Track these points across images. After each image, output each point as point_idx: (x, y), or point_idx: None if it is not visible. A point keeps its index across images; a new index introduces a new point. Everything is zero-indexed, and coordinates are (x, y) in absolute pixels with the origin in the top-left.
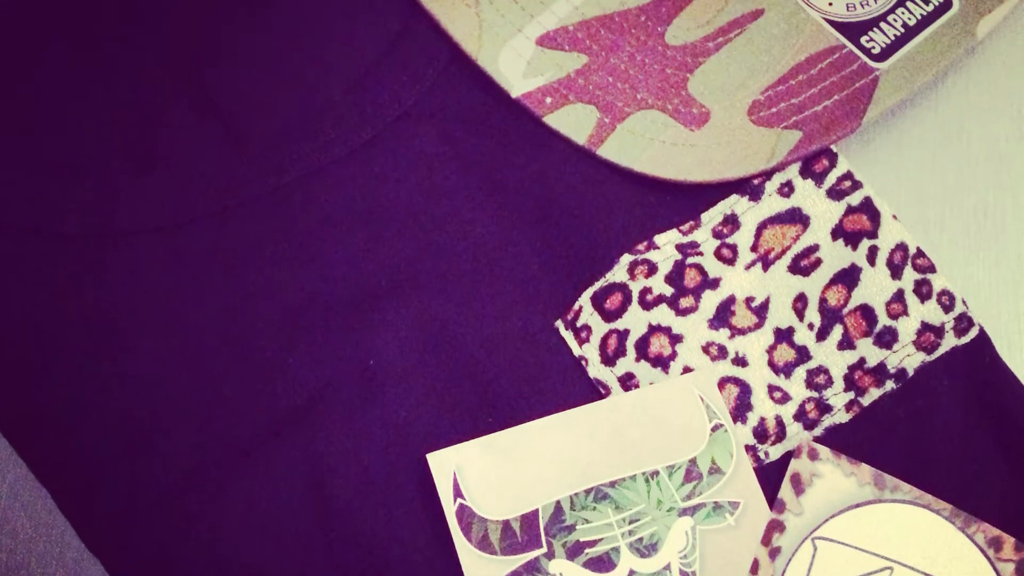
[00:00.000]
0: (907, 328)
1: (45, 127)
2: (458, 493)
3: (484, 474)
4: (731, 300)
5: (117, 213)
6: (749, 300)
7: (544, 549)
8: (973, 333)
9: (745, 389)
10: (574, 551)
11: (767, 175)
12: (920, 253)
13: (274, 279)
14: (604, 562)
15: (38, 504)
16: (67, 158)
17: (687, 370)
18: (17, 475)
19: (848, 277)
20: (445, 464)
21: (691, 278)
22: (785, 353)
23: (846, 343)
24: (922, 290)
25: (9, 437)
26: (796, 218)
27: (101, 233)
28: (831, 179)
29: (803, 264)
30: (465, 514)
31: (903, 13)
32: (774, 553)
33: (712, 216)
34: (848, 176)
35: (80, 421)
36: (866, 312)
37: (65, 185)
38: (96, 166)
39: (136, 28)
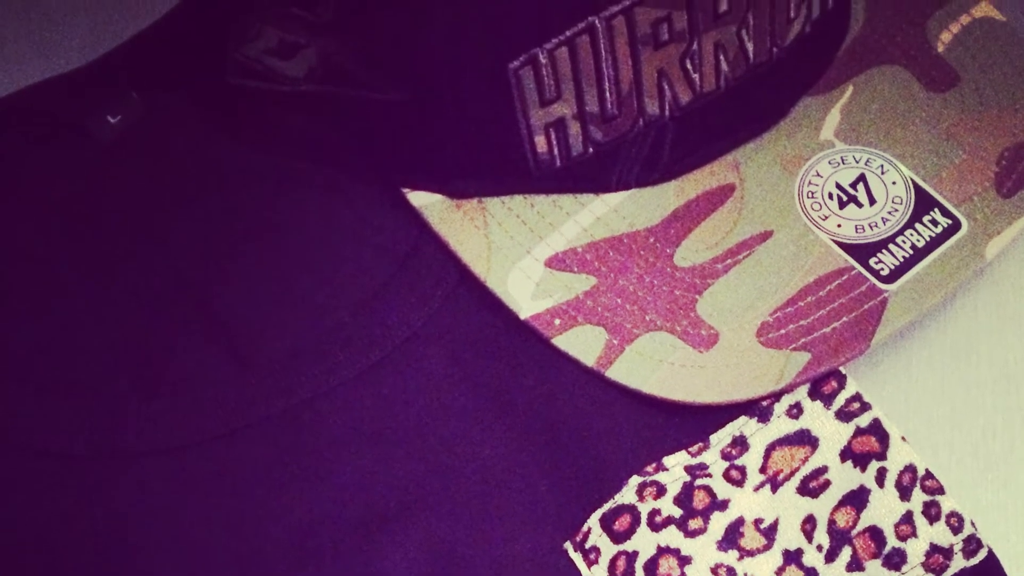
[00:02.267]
0: (916, 550)
1: (55, 348)
2: None
3: None
4: (740, 522)
5: (124, 435)
6: (758, 522)
7: None
8: (982, 555)
9: None
10: None
11: (776, 397)
12: (929, 475)
13: (283, 501)
14: None
15: None
16: (76, 380)
17: None
18: None
19: (857, 499)
20: None
21: (700, 500)
22: (794, 575)
23: (855, 565)
24: (931, 512)
25: None
26: (805, 440)
27: (108, 455)
28: (840, 401)
29: (812, 486)
30: None
31: (912, 235)
32: None
33: (721, 438)
34: (857, 398)
35: None
36: (875, 534)
37: (74, 407)
38: (105, 388)
39: (147, 249)
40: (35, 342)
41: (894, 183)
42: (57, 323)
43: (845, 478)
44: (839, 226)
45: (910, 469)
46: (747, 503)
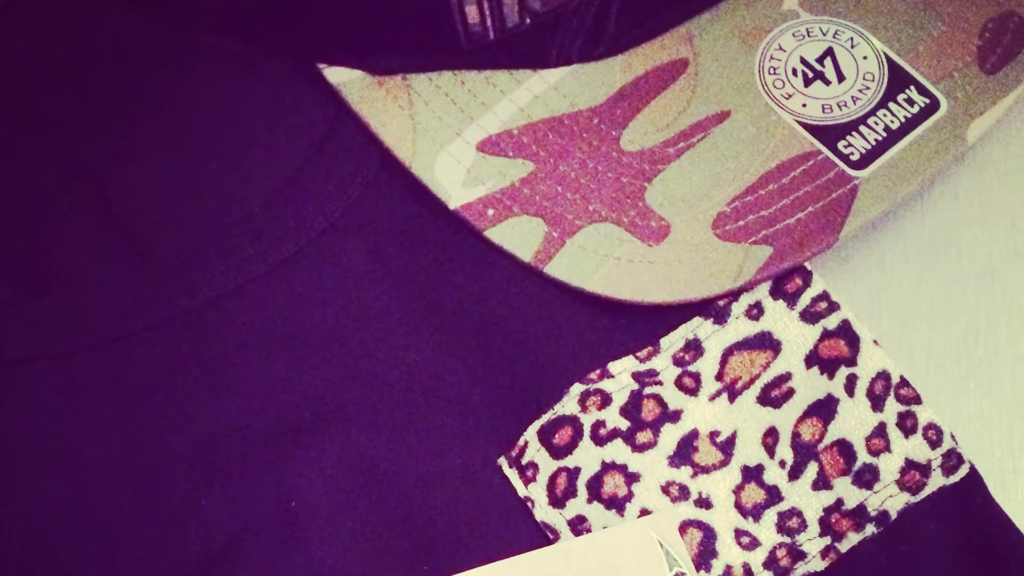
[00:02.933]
0: (889, 466)
1: None
2: None
3: None
4: (694, 435)
5: (8, 339)
6: (714, 435)
7: None
8: (963, 471)
9: (709, 534)
10: None
11: (734, 296)
12: (904, 383)
13: (185, 411)
14: None
15: None
16: None
17: (644, 513)
18: None
19: (824, 409)
20: None
21: (649, 410)
22: (754, 494)
23: (822, 483)
24: (906, 424)
25: None
26: (766, 344)
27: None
28: (805, 300)
29: (774, 395)
30: None
31: (885, 116)
32: None
33: (672, 341)
34: (824, 297)
35: None
36: (844, 448)
37: None
38: None
39: (34, 135)
40: None
41: (865, 58)
42: None
43: (811, 386)
44: (804, 106)
45: (883, 376)
46: (702, 414)
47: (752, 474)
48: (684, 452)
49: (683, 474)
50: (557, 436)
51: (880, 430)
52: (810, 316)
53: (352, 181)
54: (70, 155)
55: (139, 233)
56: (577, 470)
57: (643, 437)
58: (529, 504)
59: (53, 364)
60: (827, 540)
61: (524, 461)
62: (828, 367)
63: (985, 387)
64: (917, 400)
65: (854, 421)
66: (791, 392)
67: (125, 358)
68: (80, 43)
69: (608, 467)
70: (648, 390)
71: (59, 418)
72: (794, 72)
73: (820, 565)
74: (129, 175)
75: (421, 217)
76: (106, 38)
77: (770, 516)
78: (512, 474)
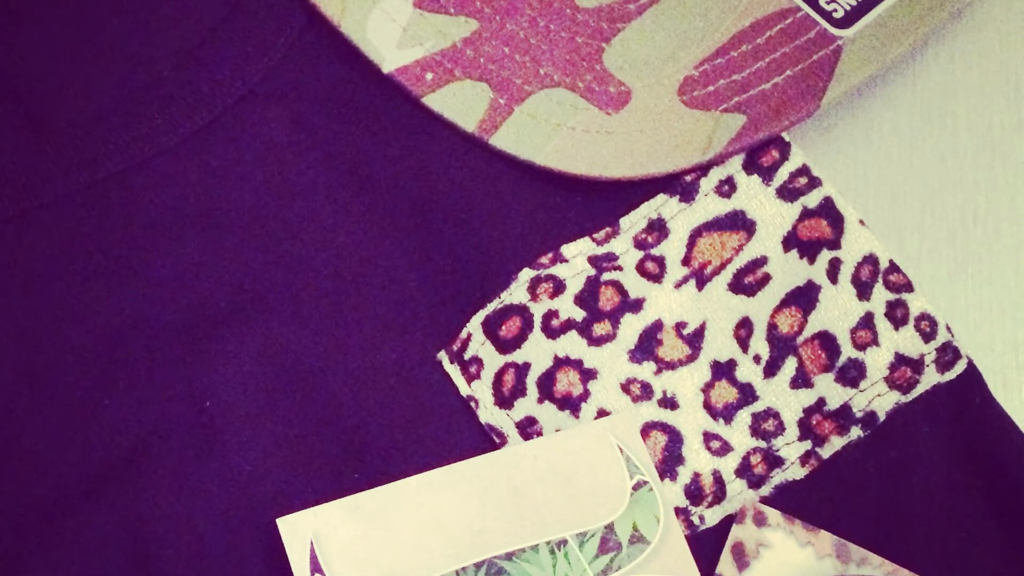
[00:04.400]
0: (877, 361)
1: None
2: (315, 567)
3: (348, 543)
4: (658, 326)
5: None
6: (680, 326)
7: None
8: (960, 367)
9: (675, 437)
10: None
11: (702, 170)
12: (894, 267)
13: (85, 299)
14: None
15: None
16: None
17: (603, 414)
18: None
19: (804, 297)
20: (300, 530)
21: (607, 299)
22: (725, 393)
23: (801, 380)
24: (896, 314)
25: None
26: (739, 223)
27: None
28: (782, 175)
29: (747, 281)
30: None
31: None
32: None
33: (634, 221)
34: (804, 171)
35: None
36: (826, 341)
37: None
38: None
39: None
40: None
41: None
42: None
43: (789, 271)
44: None
45: (870, 260)
46: (666, 303)
47: (723, 370)
48: (647, 346)
49: (646, 370)
50: (504, 328)
51: (867, 321)
52: (788, 193)
53: (274, 42)
54: None
55: (33, 100)
56: (526, 366)
57: (600, 329)
58: (472, 404)
59: None
60: (807, 445)
61: (467, 356)
62: (808, 250)
63: (985, 273)
64: (908, 287)
65: (837, 311)
66: (767, 278)
67: (16, 239)
68: None
69: (561, 362)
70: (606, 276)
71: None
72: None
73: (799, 473)
74: (22, 35)
75: (351, 82)
76: None
77: (743, 417)
78: (453, 370)
